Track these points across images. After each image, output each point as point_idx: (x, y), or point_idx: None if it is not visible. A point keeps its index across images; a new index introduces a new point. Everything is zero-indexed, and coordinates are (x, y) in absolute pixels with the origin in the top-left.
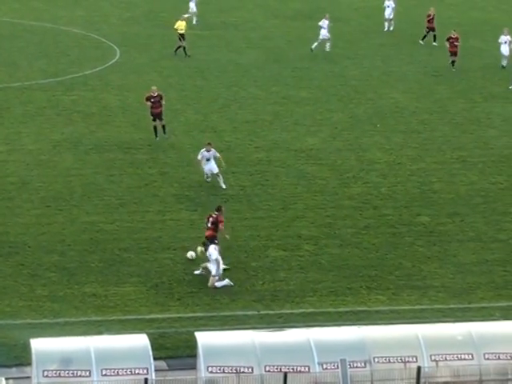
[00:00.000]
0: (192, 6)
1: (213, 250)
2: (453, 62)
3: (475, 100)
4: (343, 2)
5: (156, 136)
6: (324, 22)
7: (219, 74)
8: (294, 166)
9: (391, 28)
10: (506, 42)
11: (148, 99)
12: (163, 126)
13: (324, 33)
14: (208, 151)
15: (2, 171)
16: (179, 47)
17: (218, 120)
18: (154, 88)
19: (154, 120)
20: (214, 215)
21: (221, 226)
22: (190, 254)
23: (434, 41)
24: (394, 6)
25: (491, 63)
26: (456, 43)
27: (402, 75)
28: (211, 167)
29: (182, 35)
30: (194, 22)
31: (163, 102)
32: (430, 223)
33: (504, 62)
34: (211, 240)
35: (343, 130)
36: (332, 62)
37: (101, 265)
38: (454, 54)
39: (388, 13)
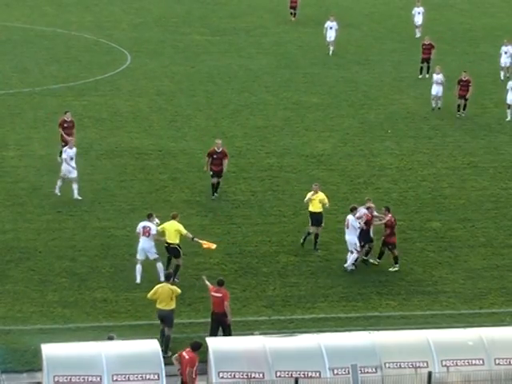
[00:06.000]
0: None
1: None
2: (460, 106)
3: (486, 105)
4: (354, 7)
5: (213, 194)
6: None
7: (230, 80)
8: (305, 172)
9: (419, 34)
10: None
11: (210, 155)
12: (218, 184)
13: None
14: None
15: (13, 177)
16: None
17: (229, 125)
18: (218, 142)
19: (214, 177)
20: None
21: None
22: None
23: (422, 72)
24: (424, 12)
25: (510, 64)
26: (467, 89)
27: (413, 81)
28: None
29: None
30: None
31: (226, 161)
32: (441, 229)
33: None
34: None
35: (354, 135)
36: (343, 68)
37: (112, 270)
38: (463, 96)
39: (418, 19)
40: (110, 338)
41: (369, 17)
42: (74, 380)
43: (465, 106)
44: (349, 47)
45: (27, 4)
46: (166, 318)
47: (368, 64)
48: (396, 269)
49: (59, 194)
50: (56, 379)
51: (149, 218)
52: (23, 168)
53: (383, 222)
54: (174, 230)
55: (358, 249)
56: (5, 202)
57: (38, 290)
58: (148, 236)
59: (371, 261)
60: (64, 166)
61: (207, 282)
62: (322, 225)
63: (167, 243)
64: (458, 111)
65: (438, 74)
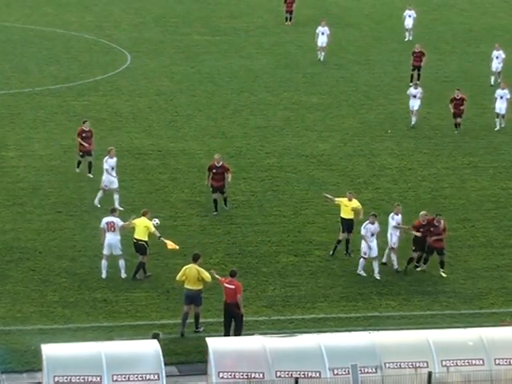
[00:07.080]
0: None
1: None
2: (456, 124)
3: (486, 105)
4: (354, 7)
5: (215, 210)
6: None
7: (230, 80)
8: (305, 172)
9: (411, 38)
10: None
11: (210, 169)
12: (225, 199)
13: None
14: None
15: (13, 177)
16: None
17: (229, 125)
18: (217, 157)
19: (215, 192)
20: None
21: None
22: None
23: (412, 80)
24: (415, 16)
25: (501, 69)
26: (461, 107)
27: None
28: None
29: None
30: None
31: (228, 175)
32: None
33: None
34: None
35: (354, 135)
36: (343, 68)
37: (112, 270)
38: (458, 115)
39: (409, 22)
40: (156, 336)
41: (369, 17)
42: (74, 380)
43: (459, 124)
44: (349, 47)
45: (27, 4)
46: (195, 298)
47: (368, 64)
48: (445, 274)
49: (99, 205)
50: (56, 379)
51: (112, 212)
52: (23, 168)
53: (441, 226)
54: (143, 227)
55: (365, 256)
56: (5, 202)
57: (37, 290)
58: (114, 231)
59: (419, 268)
60: (105, 177)
61: (216, 275)
62: (353, 231)
63: (135, 239)
64: (456, 128)
65: (415, 88)
